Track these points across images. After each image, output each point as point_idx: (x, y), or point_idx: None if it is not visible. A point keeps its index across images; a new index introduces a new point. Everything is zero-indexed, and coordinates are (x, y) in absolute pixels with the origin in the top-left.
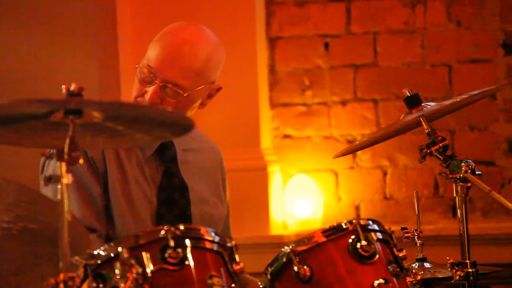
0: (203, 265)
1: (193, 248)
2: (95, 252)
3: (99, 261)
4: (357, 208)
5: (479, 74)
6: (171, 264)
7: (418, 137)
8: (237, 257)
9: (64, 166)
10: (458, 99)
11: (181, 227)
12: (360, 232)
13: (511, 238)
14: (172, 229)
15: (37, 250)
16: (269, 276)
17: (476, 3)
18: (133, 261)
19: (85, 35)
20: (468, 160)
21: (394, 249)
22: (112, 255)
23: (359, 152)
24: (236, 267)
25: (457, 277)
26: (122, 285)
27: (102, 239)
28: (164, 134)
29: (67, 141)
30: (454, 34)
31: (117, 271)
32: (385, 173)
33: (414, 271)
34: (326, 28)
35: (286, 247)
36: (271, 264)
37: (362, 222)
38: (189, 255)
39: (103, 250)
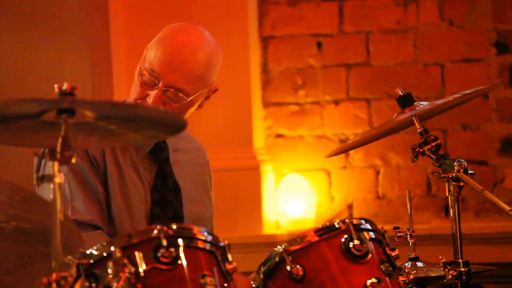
0: (195, 264)
1: (185, 247)
2: (88, 252)
3: (91, 261)
4: (350, 207)
5: (471, 74)
6: (163, 263)
7: (410, 137)
8: (229, 257)
9: (56, 166)
10: (451, 99)
11: (174, 227)
12: (353, 232)
13: (503, 238)
14: (165, 228)
15: (29, 249)
16: (262, 276)
17: (468, 2)
18: (125, 261)
19: (77, 34)
20: (460, 160)
21: (387, 249)
22: (104, 254)
23: (351, 152)
24: (229, 267)
25: (450, 276)
26: (114, 284)
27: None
28: (157, 133)
29: (60, 140)
30: (447, 34)
31: (109, 271)
32: (377, 173)
33: (406, 270)
34: (319, 28)
35: (279, 247)
36: (264, 264)
37: (354, 222)
38: (182, 255)
39: (96, 250)
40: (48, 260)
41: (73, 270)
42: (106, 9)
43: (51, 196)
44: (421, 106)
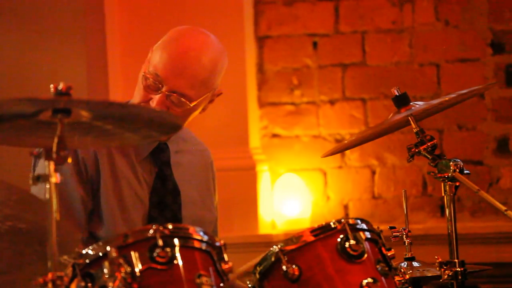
0: (191, 264)
1: (181, 247)
2: (84, 252)
3: (87, 261)
4: (346, 207)
5: (467, 74)
6: (159, 263)
7: (406, 136)
8: (225, 256)
9: (52, 165)
10: (447, 98)
11: (170, 226)
12: (349, 232)
13: (499, 238)
14: (161, 228)
15: (25, 249)
16: (257, 276)
17: (464, 2)
18: (121, 261)
19: (73, 34)
20: (456, 160)
21: (383, 248)
22: (100, 254)
23: (347, 152)
24: (225, 266)
25: (446, 276)
26: (110, 284)
27: (82, 241)
28: (153, 133)
29: (55, 140)
30: (442, 34)
31: (105, 271)
32: (373, 172)
33: (402, 270)
34: (315, 27)
35: (274, 247)
36: (259, 264)
37: (350, 222)
38: (178, 255)
39: (92, 250)
40: (44, 260)
41: (69, 270)
42: (101, 9)
43: (47, 196)
44: (417, 106)
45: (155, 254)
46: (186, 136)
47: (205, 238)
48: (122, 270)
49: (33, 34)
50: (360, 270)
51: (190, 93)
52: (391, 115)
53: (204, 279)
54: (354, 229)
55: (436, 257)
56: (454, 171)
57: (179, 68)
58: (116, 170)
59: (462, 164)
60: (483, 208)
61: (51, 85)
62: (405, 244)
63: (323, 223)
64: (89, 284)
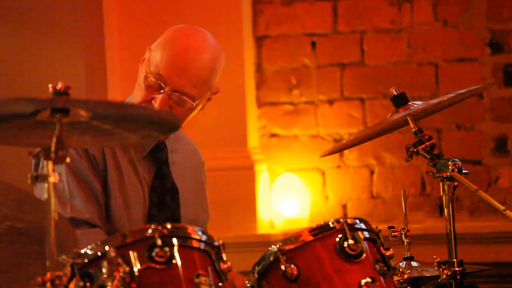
0: (190, 264)
1: (180, 247)
2: (82, 251)
3: (86, 260)
4: (344, 207)
5: (465, 73)
6: (158, 263)
7: (405, 136)
8: (224, 256)
9: (51, 165)
10: (445, 98)
11: (168, 226)
12: (347, 231)
13: (497, 237)
14: (159, 228)
15: (24, 249)
16: (256, 275)
17: (462, 2)
18: (120, 260)
19: (71, 34)
20: (455, 159)
21: (381, 248)
22: (99, 254)
23: (346, 151)
24: (223, 266)
25: (444, 276)
26: (109, 284)
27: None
28: (151, 133)
29: (54, 140)
30: (441, 33)
31: (104, 270)
32: (372, 172)
33: (401, 270)
34: (313, 27)
35: (273, 246)
36: (258, 263)
37: (349, 221)
38: (176, 254)
39: (90, 249)
40: (42, 259)
41: (68, 270)
42: (100, 9)
43: (46, 195)
44: (415, 105)
45: (153, 254)
46: (179, 135)
47: (204, 237)
48: (121, 269)
49: (31, 34)
50: (359, 270)
51: (193, 92)
52: (389, 114)
53: (202, 278)
54: (353, 228)
55: (434, 256)
56: (453, 170)
57: (181, 67)
58: (120, 168)
59: (460, 163)
60: (482, 208)
61: (50, 85)
62: (403, 243)
63: (322, 223)
64: (88, 284)
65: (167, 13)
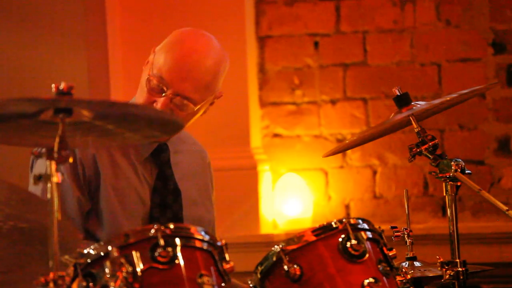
0: (193, 264)
1: (183, 247)
2: (85, 251)
3: (89, 260)
4: (347, 207)
5: (468, 73)
6: (161, 263)
7: (407, 136)
8: (227, 256)
9: (54, 165)
10: (448, 98)
11: (171, 226)
12: (350, 231)
13: (500, 237)
14: (162, 228)
15: (27, 249)
16: (259, 275)
17: (465, 2)
18: (123, 260)
19: (74, 34)
20: (457, 159)
21: (384, 248)
22: (102, 254)
23: (348, 151)
24: (226, 266)
25: (447, 276)
26: (112, 284)
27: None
28: (154, 133)
29: (57, 140)
30: (444, 33)
31: (107, 270)
32: (374, 172)
33: (404, 270)
34: (316, 27)
35: (276, 246)
36: (261, 263)
37: (352, 221)
38: (179, 254)
39: (93, 249)
40: (45, 259)
41: (71, 270)
42: (103, 9)
43: (48, 195)
44: (418, 105)
45: (156, 254)
46: (184, 136)
47: (207, 238)
48: (124, 269)
49: (34, 34)
50: (362, 270)
51: (194, 97)
52: (392, 115)
53: (205, 278)
54: (356, 229)
55: (437, 257)
56: (456, 171)
57: (184, 71)
58: (117, 171)
59: (463, 164)
60: (485, 208)
61: (53, 85)
62: (406, 244)
63: (325, 223)
64: (91, 284)
65: (170, 13)
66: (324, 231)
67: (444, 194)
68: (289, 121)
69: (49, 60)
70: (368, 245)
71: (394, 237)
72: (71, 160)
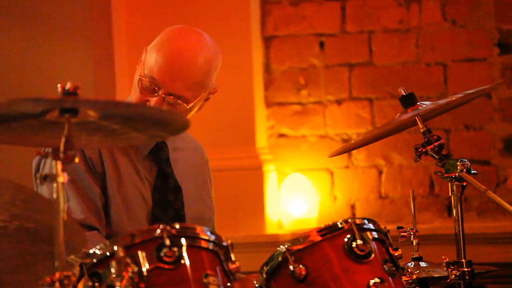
0: (198, 264)
1: (188, 247)
2: (91, 251)
3: (94, 260)
4: (353, 207)
5: (474, 73)
6: (166, 263)
7: (413, 136)
8: (232, 256)
9: (60, 165)
10: (453, 98)
11: (177, 226)
12: (356, 231)
13: (506, 237)
14: (168, 228)
15: (32, 249)
16: (264, 275)
17: (471, 2)
18: (128, 260)
19: (80, 34)
20: (463, 159)
21: (390, 248)
22: (108, 254)
23: (354, 151)
24: (232, 266)
25: (453, 276)
26: (117, 284)
27: (104, 237)
28: (160, 133)
29: (63, 140)
30: (449, 33)
31: (113, 270)
32: (380, 172)
33: (409, 270)
34: (321, 27)
35: (281, 246)
36: (266, 263)
37: (357, 221)
38: (185, 254)
39: (99, 249)
40: (51, 259)
41: (76, 270)
42: (108, 8)
43: (54, 195)
44: (424, 106)
45: (162, 254)
46: (182, 133)
47: (212, 238)
48: (129, 269)
49: (40, 34)
50: (367, 270)
51: (187, 95)
52: (398, 115)
53: (211, 278)
54: (361, 229)
55: (443, 257)
56: (461, 171)
57: (175, 71)
58: (119, 169)
59: (469, 164)
60: (490, 208)
61: (58, 85)
62: (412, 244)
63: (330, 223)
64: (96, 284)
65: (175, 13)
66: (329, 231)
67: (450, 194)
68: (294, 121)
69: (55, 60)
70: (373, 245)
71: (399, 237)
72: (77, 160)
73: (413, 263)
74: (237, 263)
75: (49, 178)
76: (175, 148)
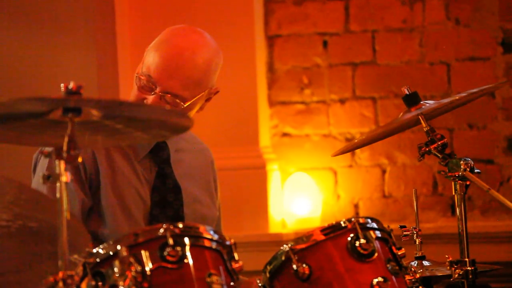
0: (202, 263)
1: (192, 246)
2: (94, 250)
3: (98, 259)
4: (356, 206)
5: (477, 73)
6: (170, 262)
7: (417, 135)
8: (236, 256)
9: (63, 165)
10: (457, 97)
11: (180, 225)
12: (359, 231)
13: (510, 236)
14: (171, 227)
15: (36, 248)
16: (268, 275)
17: (474, 1)
18: (132, 260)
19: (83, 33)
20: (467, 158)
21: (393, 247)
22: (111, 253)
23: (357, 151)
24: (235, 265)
25: (456, 275)
26: (121, 283)
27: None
28: (163, 132)
29: (66, 139)
30: (453, 32)
31: (116, 270)
32: (383, 171)
33: (413, 269)
34: (325, 26)
35: (285, 246)
36: (270, 263)
37: (361, 221)
38: (188, 253)
39: (102, 249)
40: (54, 259)
41: (80, 269)
42: (112, 8)
43: (58, 194)
44: (427, 105)
45: (165, 253)
46: (186, 135)
47: (216, 237)
48: (133, 269)
49: (43, 34)
50: (371, 269)
51: (184, 94)
52: (401, 114)
53: (214, 278)
54: (365, 228)
55: (446, 256)
56: (465, 170)
57: (171, 69)
58: (115, 170)
59: (472, 163)
60: (494, 207)
61: (62, 84)
62: (415, 243)
63: (334, 222)
64: (100, 283)
65: (179, 13)
66: (333, 230)
67: (453, 193)
68: (298, 120)
69: (58, 59)
70: (377, 244)
71: (403, 236)
72: (80, 159)
73: (416, 262)
74: (241, 262)
75: (52, 177)
76: (178, 149)
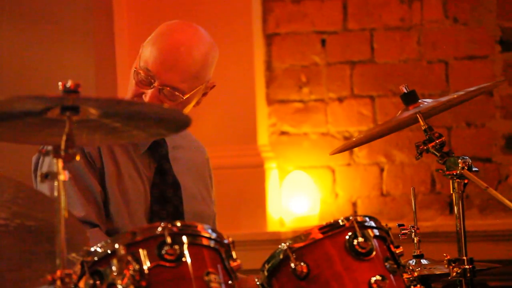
0: (200, 261)
1: (190, 245)
2: (92, 249)
3: (96, 258)
4: (354, 204)
5: (475, 71)
6: (168, 260)
7: (415, 134)
8: (234, 254)
9: (60, 163)
10: (455, 96)
11: (178, 224)
12: (357, 229)
13: (508, 235)
14: (169, 226)
15: (34, 247)
16: (266, 273)
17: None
18: (130, 258)
19: (81, 32)
20: (465, 157)
21: (391, 246)
22: (109, 252)
23: (356, 149)
24: (233, 264)
25: (454, 273)
26: (119, 281)
27: (104, 234)
28: (161, 131)
29: (64, 137)
30: (451, 31)
31: (114, 268)
32: (382, 170)
33: (411, 267)
34: (323, 25)
35: (283, 244)
36: (268, 261)
37: (359, 219)
38: (186, 252)
39: (100, 247)
40: (52, 257)
41: (78, 268)
42: (110, 7)
43: (56, 193)
44: (425, 103)
45: (163, 252)
46: (182, 132)
47: (214, 235)
48: (131, 267)
49: (41, 32)
50: (369, 268)
51: (182, 86)
52: (399, 112)
53: (212, 276)
54: (363, 226)
55: (444, 254)
56: (463, 168)
57: (169, 62)
58: (118, 165)
59: (470, 161)
60: (492, 206)
61: (60, 83)
62: (413, 241)
63: (332, 221)
64: (98, 282)
65: (177, 11)
66: (331, 228)
67: (451, 192)
68: (296, 119)
69: (56, 58)
70: (375, 242)
71: (401, 234)
72: (78, 158)
73: (414, 260)
74: (239, 261)
75: (50, 176)
76: (175, 146)
